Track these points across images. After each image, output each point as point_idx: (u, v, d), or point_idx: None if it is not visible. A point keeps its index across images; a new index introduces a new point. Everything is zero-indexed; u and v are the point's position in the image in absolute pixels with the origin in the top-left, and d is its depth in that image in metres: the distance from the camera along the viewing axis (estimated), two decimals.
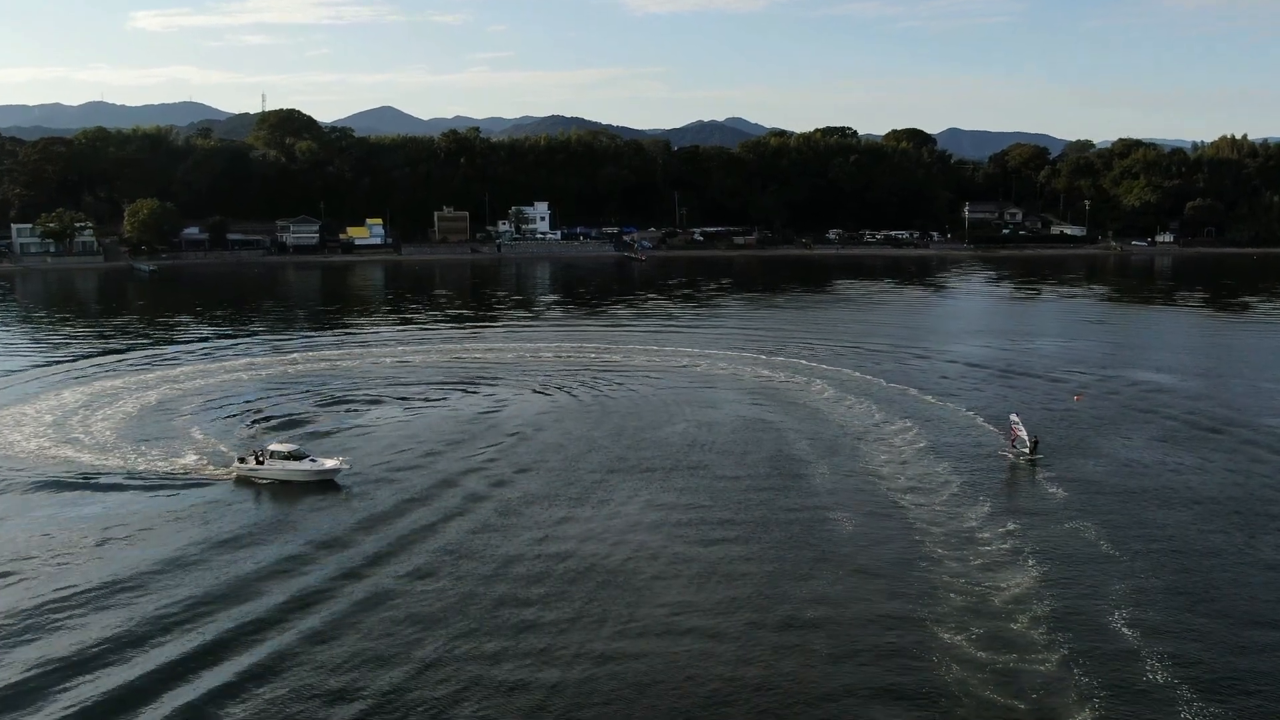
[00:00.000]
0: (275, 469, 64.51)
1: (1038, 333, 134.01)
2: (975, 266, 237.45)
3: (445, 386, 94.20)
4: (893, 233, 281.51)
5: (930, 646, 42.86)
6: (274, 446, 66.38)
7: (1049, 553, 52.82)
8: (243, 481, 64.46)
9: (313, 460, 65.17)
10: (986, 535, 55.38)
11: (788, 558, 52.73)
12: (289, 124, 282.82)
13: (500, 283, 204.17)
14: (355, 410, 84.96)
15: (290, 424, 79.87)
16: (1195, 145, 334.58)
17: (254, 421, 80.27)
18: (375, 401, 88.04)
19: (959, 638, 43.44)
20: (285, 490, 63.09)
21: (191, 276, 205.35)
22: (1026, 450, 70.18)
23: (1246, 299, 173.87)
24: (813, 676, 40.70)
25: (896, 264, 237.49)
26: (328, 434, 76.74)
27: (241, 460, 66.19)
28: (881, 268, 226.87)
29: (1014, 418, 73.54)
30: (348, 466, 65.10)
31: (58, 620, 45.22)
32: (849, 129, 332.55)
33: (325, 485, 63.72)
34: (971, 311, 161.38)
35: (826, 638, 43.86)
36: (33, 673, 40.78)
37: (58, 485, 63.79)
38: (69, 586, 48.59)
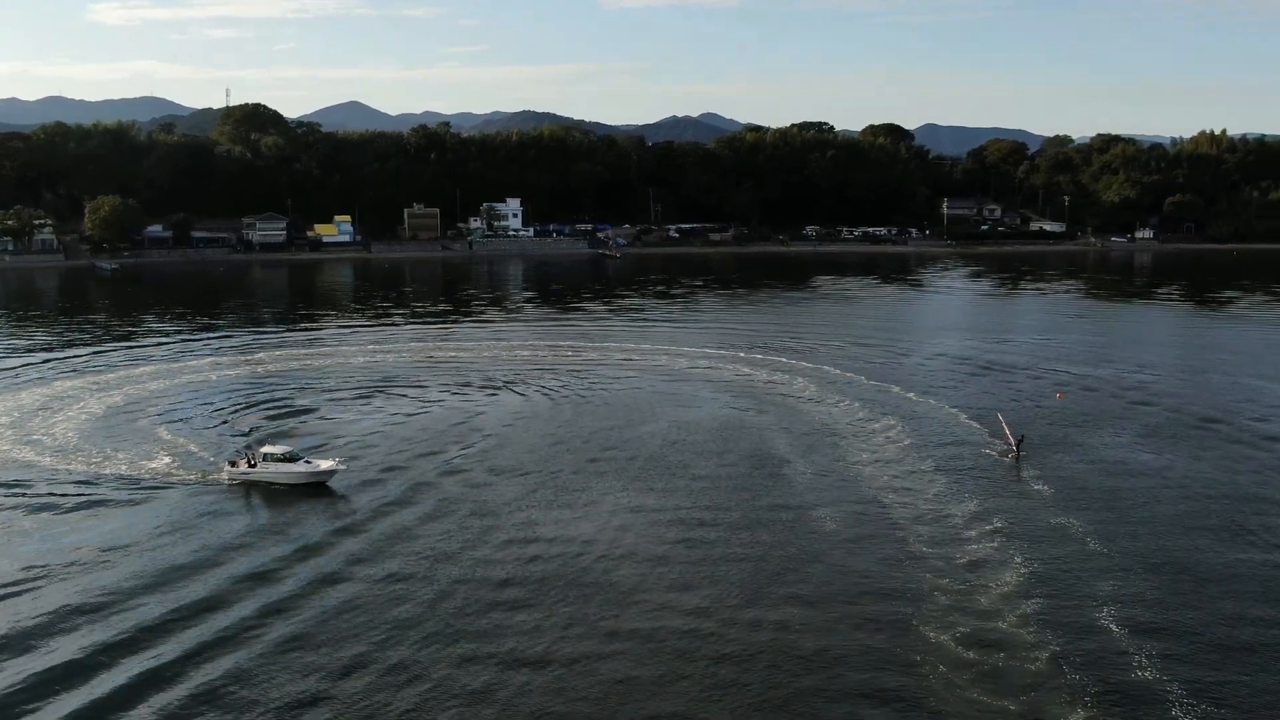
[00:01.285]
0: (269, 472, 63.54)
1: (1018, 329, 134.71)
2: (954, 263, 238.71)
3: (419, 386, 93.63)
4: (871, 229, 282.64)
5: (916, 646, 42.83)
6: (267, 449, 65.47)
7: (1035, 550, 52.99)
8: (234, 485, 63.39)
9: (307, 462, 64.32)
10: (972, 533, 55.53)
11: (769, 556, 52.66)
12: (255, 119, 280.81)
13: (473, 281, 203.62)
14: (327, 411, 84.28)
15: (263, 424, 79.07)
16: (1174, 141, 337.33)
17: (247, 427, 78.87)
18: (347, 402, 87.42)
19: (945, 636, 43.46)
20: (278, 493, 62.21)
21: (155, 275, 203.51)
22: (1011, 447, 70.54)
23: (1227, 295, 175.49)
24: (795, 676, 40.57)
25: (875, 261, 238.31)
26: (300, 435, 75.99)
27: (232, 464, 65.14)
28: (860, 265, 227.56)
29: (999, 416, 73.99)
30: (344, 467, 64.40)
31: (37, 625, 44.50)
32: (826, 124, 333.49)
33: (319, 487, 62.89)
34: (952, 308, 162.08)
35: (809, 637, 43.74)
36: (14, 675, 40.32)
37: (32, 493, 62.47)
38: (52, 593, 47.73)
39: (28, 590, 48.18)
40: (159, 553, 52.81)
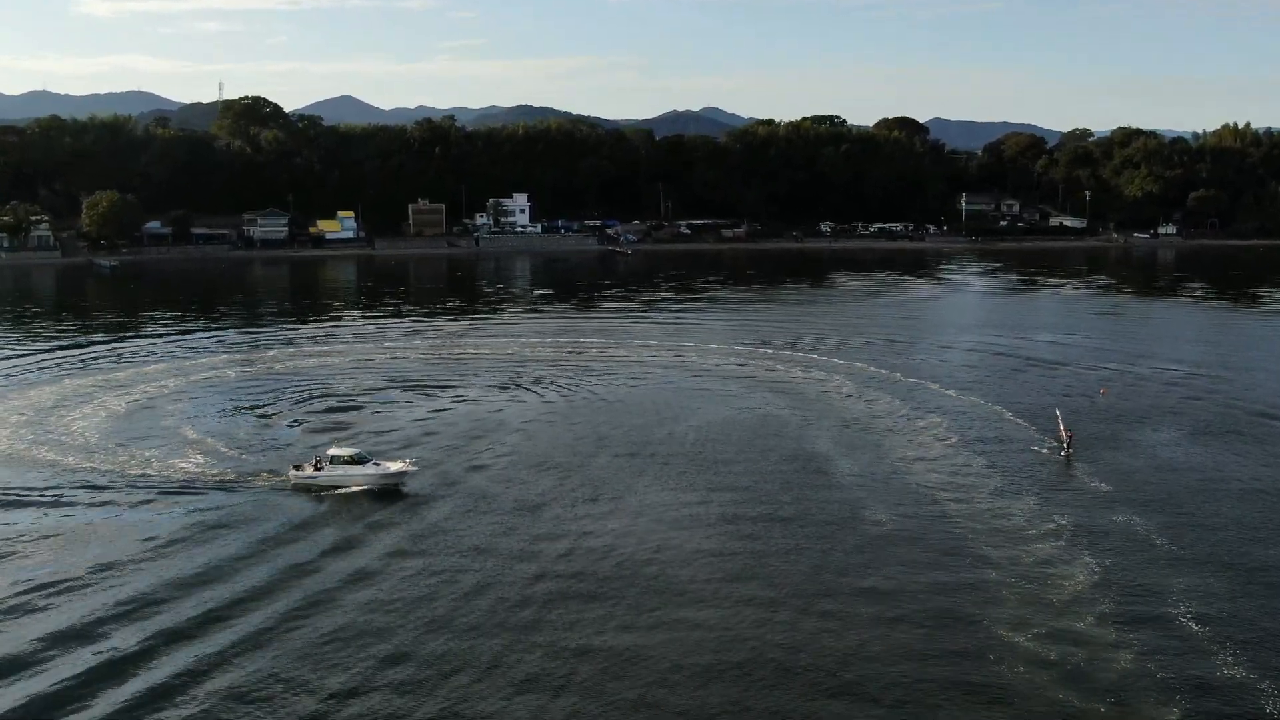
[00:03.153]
0: (336, 475, 62.43)
1: (1049, 325, 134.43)
2: (975, 260, 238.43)
3: (441, 384, 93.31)
4: (887, 225, 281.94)
5: (992, 645, 42.50)
6: (333, 451, 64.33)
7: (1101, 548, 52.70)
8: (301, 490, 62.27)
9: (376, 464, 63.28)
10: (1034, 531, 55.25)
11: (825, 555, 52.30)
12: (254, 112, 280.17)
13: (482, 278, 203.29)
14: (349, 410, 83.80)
15: (294, 423, 79.16)
16: (1196, 135, 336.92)
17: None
18: (369, 401, 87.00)
19: (1021, 636, 43.12)
20: (346, 498, 61.18)
21: (155, 273, 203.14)
22: (1064, 443, 70.31)
23: (1256, 291, 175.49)
24: (874, 675, 40.26)
25: (892, 258, 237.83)
26: (331, 434, 75.74)
27: (298, 467, 63.95)
28: (878, 261, 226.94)
29: (1057, 411, 73.65)
30: (416, 469, 63.48)
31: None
32: (838, 118, 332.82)
33: (390, 490, 61.96)
34: (979, 304, 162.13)
35: (878, 635, 43.50)
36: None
37: (64, 495, 61.51)
38: (114, 594, 47.04)
39: (83, 592, 47.94)
40: (214, 553, 52.60)
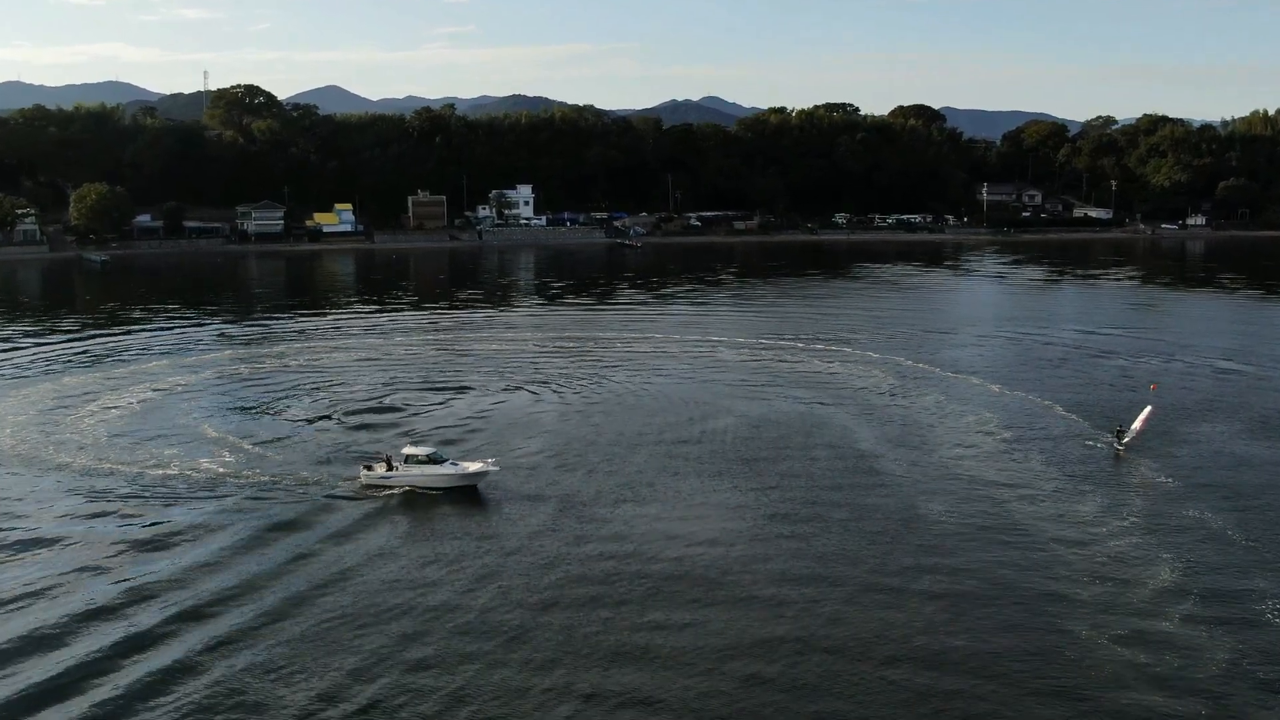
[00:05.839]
0: (411, 475, 61.76)
1: (1083, 318, 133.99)
2: (998, 251, 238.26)
3: (462, 382, 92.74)
4: (905, 216, 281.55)
5: (1074, 646, 42.21)
6: (408, 450, 63.56)
7: (1178, 546, 52.43)
8: (371, 490, 61.51)
9: (453, 464, 62.60)
10: (1103, 529, 54.92)
11: (890, 555, 51.88)
12: (246, 101, 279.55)
13: (489, 272, 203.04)
14: (374, 407, 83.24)
15: (319, 420, 78.74)
16: (1225, 123, 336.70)
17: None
18: (389, 398, 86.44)
19: (1104, 637, 42.82)
20: (420, 499, 60.44)
21: (148, 267, 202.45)
22: (1116, 439, 70.00)
23: None
24: (954, 678, 39.92)
25: (912, 250, 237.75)
26: (356, 432, 75.44)
27: (368, 467, 63.08)
28: (897, 254, 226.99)
29: (1149, 409, 72.79)
30: (496, 469, 62.76)
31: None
32: (851, 105, 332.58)
33: (467, 493, 61.31)
34: (1009, 297, 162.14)
35: (955, 637, 43.13)
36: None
37: (98, 499, 60.95)
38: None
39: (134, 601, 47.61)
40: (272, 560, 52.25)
